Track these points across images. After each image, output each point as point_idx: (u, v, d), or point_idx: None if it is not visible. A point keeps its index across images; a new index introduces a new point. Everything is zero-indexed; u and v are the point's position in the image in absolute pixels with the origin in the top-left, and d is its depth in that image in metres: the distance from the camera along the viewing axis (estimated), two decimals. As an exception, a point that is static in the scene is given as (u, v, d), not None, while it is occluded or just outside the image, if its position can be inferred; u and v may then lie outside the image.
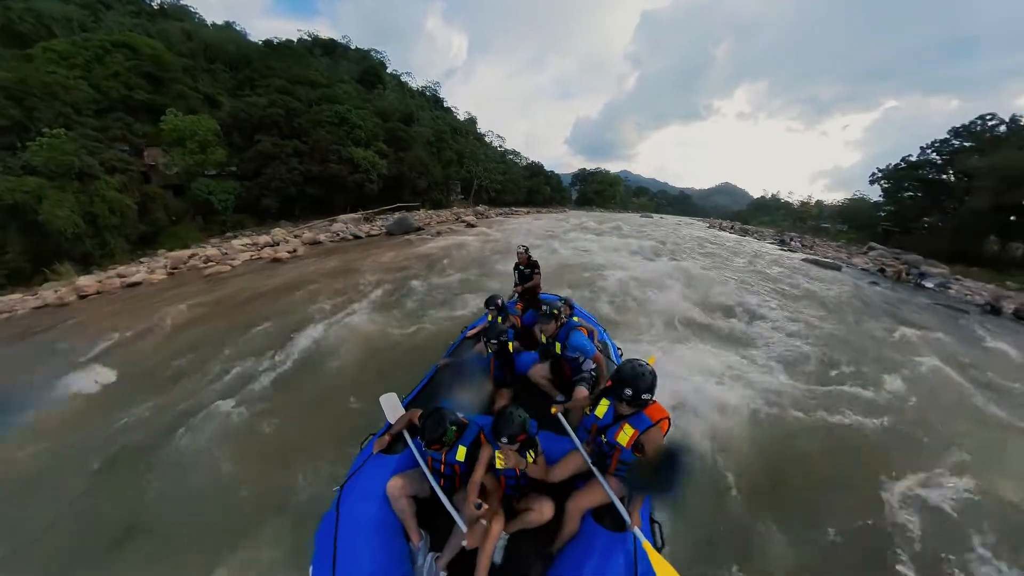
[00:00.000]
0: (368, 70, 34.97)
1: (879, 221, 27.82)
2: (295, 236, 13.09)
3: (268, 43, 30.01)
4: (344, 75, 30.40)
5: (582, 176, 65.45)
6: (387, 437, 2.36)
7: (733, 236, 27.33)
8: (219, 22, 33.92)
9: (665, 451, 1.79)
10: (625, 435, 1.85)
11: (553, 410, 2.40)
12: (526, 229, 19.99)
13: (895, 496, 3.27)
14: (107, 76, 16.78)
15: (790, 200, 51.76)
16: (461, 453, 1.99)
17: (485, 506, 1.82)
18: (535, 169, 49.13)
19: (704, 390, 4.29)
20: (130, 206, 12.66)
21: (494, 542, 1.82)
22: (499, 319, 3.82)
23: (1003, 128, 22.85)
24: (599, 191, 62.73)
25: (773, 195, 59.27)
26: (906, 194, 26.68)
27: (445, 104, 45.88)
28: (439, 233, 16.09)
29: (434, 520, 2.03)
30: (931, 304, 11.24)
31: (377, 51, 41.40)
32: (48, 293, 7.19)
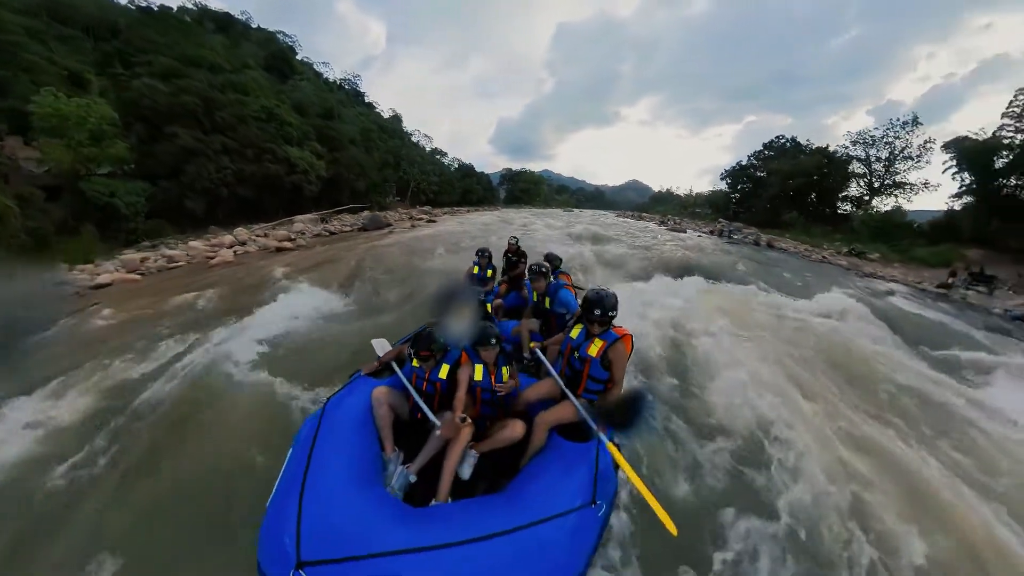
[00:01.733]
0: (276, 55, 30.76)
1: (729, 205, 38.67)
2: (262, 235, 12.25)
3: (143, 9, 24.25)
4: (248, 59, 26.60)
5: (509, 176, 69.47)
6: (376, 363, 2.49)
7: (632, 221, 35.07)
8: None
9: (629, 397, 2.00)
10: (595, 347, 2.07)
11: (532, 345, 2.62)
12: (481, 222, 22.06)
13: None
14: None
15: (678, 193, 66.48)
16: (444, 371, 2.12)
17: (469, 420, 1.93)
18: (467, 170, 50.62)
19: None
20: (11, 208, 10.09)
21: (463, 444, 1.89)
22: (488, 272, 4.34)
23: (788, 144, 35.08)
24: (525, 190, 67.55)
25: (668, 189, 75.32)
26: (741, 186, 37.94)
27: (367, 99, 43.34)
28: (413, 226, 17.01)
29: (410, 442, 2.09)
30: (725, 242, 20.09)
31: (285, 34, 36.28)
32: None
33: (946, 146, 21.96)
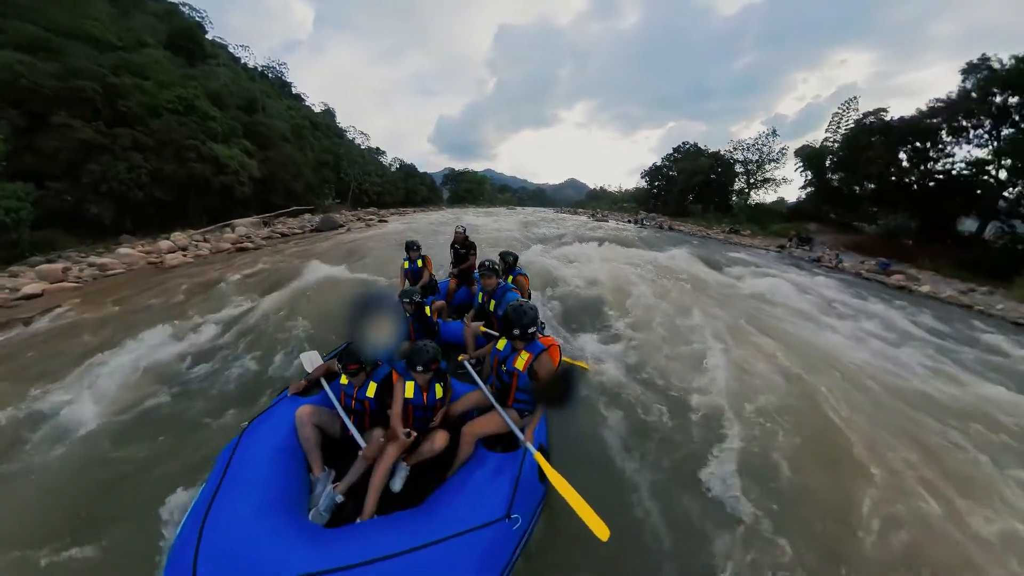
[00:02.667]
0: (181, 32, 25.42)
1: (649, 199, 44.67)
2: (201, 240, 11.39)
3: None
4: (145, 35, 22.26)
5: (452, 176, 69.61)
6: (303, 382, 2.37)
7: (568, 216, 39.68)
8: None
9: (560, 374, 2.02)
10: (521, 360, 2.09)
11: (460, 358, 2.62)
12: (430, 221, 22.96)
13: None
14: None
15: (611, 190, 75.04)
16: (371, 389, 2.06)
17: (413, 434, 1.91)
18: (410, 171, 49.66)
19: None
20: None
21: (389, 463, 1.86)
22: (419, 263, 4.11)
23: (692, 148, 41.82)
24: (469, 189, 68.34)
25: (602, 187, 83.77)
26: (657, 183, 44.00)
27: (294, 90, 39.39)
28: (367, 226, 17.02)
29: (342, 460, 2.02)
30: (637, 228, 25.61)
31: (192, 7, 30.19)
32: None
33: (796, 152, 29.47)
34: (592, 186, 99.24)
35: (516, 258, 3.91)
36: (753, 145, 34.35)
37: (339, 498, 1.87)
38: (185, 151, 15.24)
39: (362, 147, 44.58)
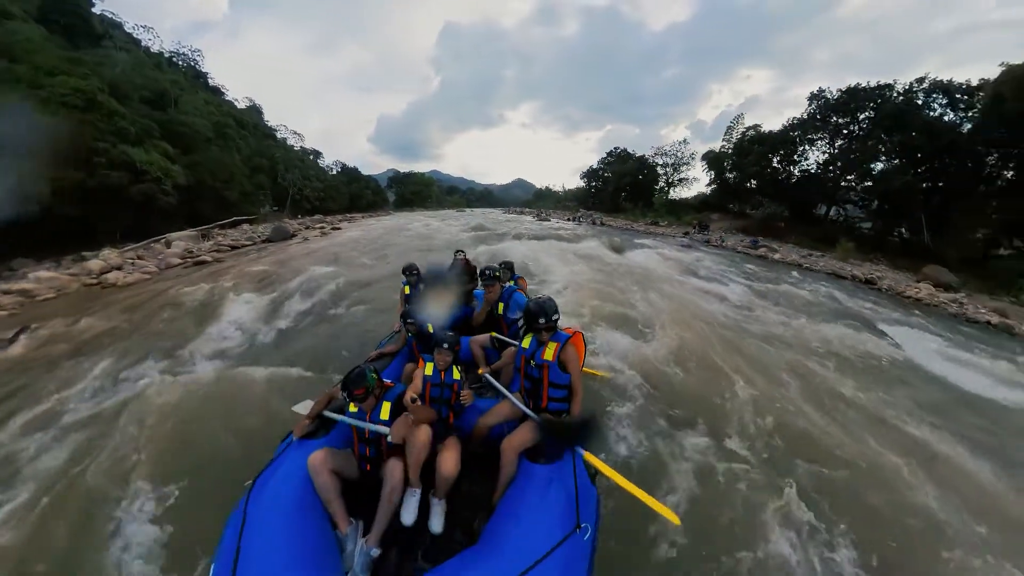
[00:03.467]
0: (60, 6, 19.99)
1: (588, 198, 49.13)
2: (136, 258, 10.45)
3: None
4: (9, 5, 17.67)
5: (398, 178, 67.54)
6: (307, 420, 2.09)
7: (515, 216, 42.03)
8: None
9: (581, 416, 2.05)
10: (550, 350, 2.08)
11: (480, 371, 2.55)
12: (384, 226, 23.04)
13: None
14: None
15: (556, 190, 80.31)
16: (386, 410, 1.93)
17: (419, 401, 1.84)
18: (353, 174, 47.41)
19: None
20: None
21: (422, 448, 1.78)
22: (421, 287, 3.86)
23: (622, 153, 46.71)
24: (416, 192, 66.98)
25: (548, 187, 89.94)
26: (593, 184, 48.53)
27: (211, 82, 34.57)
28: (323, 234, 16.62)
29: (367, 508, 1.81)
30: (574, 224, 29.29)
31: None
32: None
33: (703, 157, 35.60)
34: (539, 186, 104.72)
35: (512, 264, 4.11)
36: (670, 151, 40.45)
37: (375, 551, 1.70)
38: (93, 156, 13.44)
39: (296, 148, 41.55)
